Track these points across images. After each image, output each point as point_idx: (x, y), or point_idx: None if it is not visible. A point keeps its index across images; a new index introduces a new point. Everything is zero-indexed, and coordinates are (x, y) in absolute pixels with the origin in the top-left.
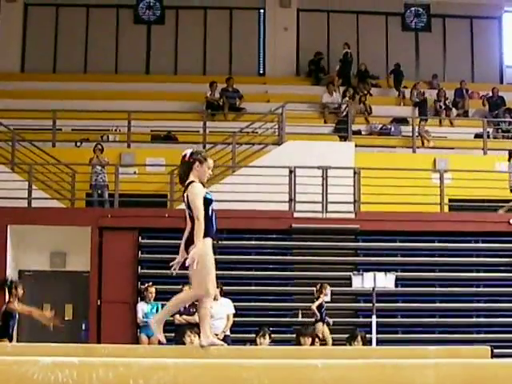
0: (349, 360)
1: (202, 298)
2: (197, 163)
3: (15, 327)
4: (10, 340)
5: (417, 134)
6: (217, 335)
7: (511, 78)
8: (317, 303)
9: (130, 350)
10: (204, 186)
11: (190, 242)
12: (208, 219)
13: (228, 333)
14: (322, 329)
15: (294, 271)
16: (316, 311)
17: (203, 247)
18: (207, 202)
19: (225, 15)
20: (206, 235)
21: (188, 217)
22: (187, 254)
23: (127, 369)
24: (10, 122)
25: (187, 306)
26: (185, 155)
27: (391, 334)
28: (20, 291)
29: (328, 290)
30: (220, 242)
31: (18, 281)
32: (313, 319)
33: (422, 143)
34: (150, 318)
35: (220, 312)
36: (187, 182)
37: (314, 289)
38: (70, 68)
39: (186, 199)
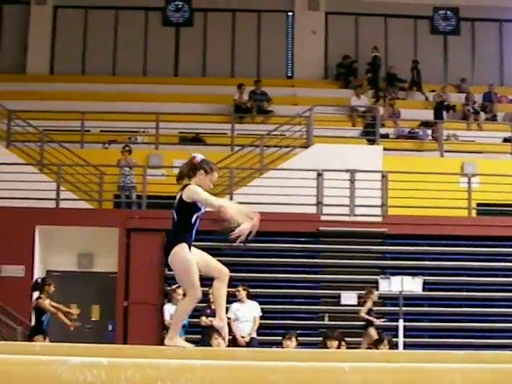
0: (376, 363)
1: (191, 297)
2: (202, 171)
3: (49, 323)
4: (45, 336)
5: (445, 138)
6: (243, 337)
7: None
8: (365, 309)
9: (156, 352)
10: None
11: (169, 248)
12: (190, 227)
13: (254, 335)
14: (375, 333)
15: (321, 274)
16: (366, 317)
17: (180, 252)
18: (195, 208)
19: (253, 18)
20: (183, 240)
21: (172, 219)
22: (166, 260)
23: (155, 370)
24: (39, 124)
25: (213, 307)
26: (194, 157)
27: (418, 338)
28: (52, 288)
29: (375, 294)
30: (247, 245)
31: (48, 280)
32: (363, 323)
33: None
34: None
35: (246, 315)
36: (184, 183)
37: (361, 293)
38: (98, 70)
39: (177, 199)
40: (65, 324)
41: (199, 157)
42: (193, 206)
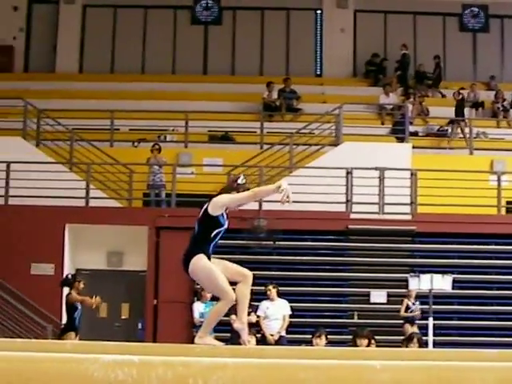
0: (407, 361)
1: (226, 300)
2: (235, 192)
3: (80, 320)
4: (77, 333)
5: (474, 136)
6: (272, 336)
7: None
8: (403, 308)
9: (187, 350)
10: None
11: (188, 259)
12: (209, 240)
13: (284, 333)
14: (412, 330)
15: (350, 272)
16: (405, 314)
17: (199, 261)
18: (218, 224)
19: (282, 16)
20: (201, 251)
21: (194, 228)
22: (186, 272)
23: (186, 368)
24: (69, 122)
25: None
26: (236, 179)
27: (447, 336)
28: (81, 285)
29: (413, 293)
30: (276, 243)
31: (78, 276)
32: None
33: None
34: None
35: (276, 313)
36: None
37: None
38: (127, 68)
39: (202, 210)
40: (90, 306)
41: (241, 178)
42: (215, 221)
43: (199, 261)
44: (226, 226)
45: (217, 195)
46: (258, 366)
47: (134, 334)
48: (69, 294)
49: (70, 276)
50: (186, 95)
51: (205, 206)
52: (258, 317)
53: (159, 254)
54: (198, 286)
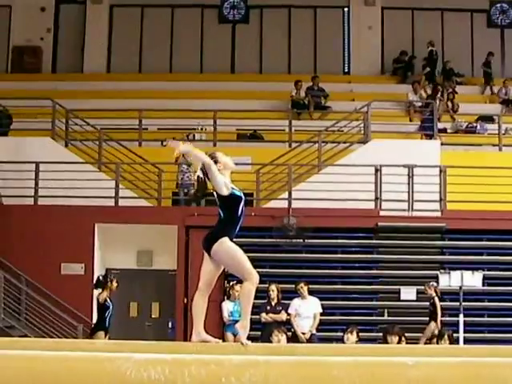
0: (440, 358)
1: (251, 280)
2: (216, 165)
3: (111, 320)
4: (106, 333)
5: (503, 132)
6: (304, 334)
7: None
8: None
9: (218, 348)
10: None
11: (212, 240)
12: (236, 220)
13: (314, 331)
14: (435, 327)
15: (380, 270)
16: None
17: (225, 244)
18: (237, 198)
19: (309, 14)
20: (226, 235)
21: (218, 214)
22: (206, 251)
23: (219, 366)
24: (97, 122)
25: (273, 304)
26: (198, 176)
27: (478, 333)
28: (114, 284)
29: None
30: (306, 241)
31: (112, 275)
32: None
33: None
34: (236, 317)
35: (307, 311)
36: None
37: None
38: (155, 68)
39: (216, 198)
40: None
41: (200, 173)
42: (234, 197)
43: (224, 243)
44: (243, 198)
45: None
46: (290, 363)
47: (164, 333)
48: (100, 293)
49: (100, 277)
50: (214, 94)
51: (215, 195)
52: (288, 315)
53: (189, 253)
54: (227, 285)
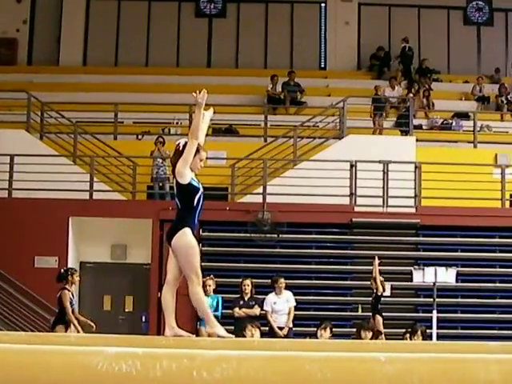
0: (412, 354)
1: (194, 283)
2: None
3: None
4: (67, 327)
5: (478, 129)
6: (281, 329)
7: None
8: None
9: (191, 342)
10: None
11: (172, 232)
12: (193, 210)
13: (291, 325)
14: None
15: (354, 265)
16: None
17: (185, 237)
18: (194, 190)
19: (286, 9)
20: (185, 225)
21: (176, 206)
22: (169, 244)
23: (191, 360)
24: (72, 115)
25: (246, 299)
26: (178, 144)
27: (451, 329)
28: (76, 278)
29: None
30: (280, 236)
31: (73, 268)
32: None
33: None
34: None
35: (284, 307)
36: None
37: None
38: (131, 61)
39: (175, 186)
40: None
41: (182, 141)
42: (190, 188)
43: (185, 236)
44: (202, 190)
45: (174, 169)
46: (262, 358)
47: (137, 327)
48: (64, 288)
49: (62, 270)
50: (190, 88)
51: (174, 182)
52: (263, 311)
53: (163, 247)
54: (203, 279)
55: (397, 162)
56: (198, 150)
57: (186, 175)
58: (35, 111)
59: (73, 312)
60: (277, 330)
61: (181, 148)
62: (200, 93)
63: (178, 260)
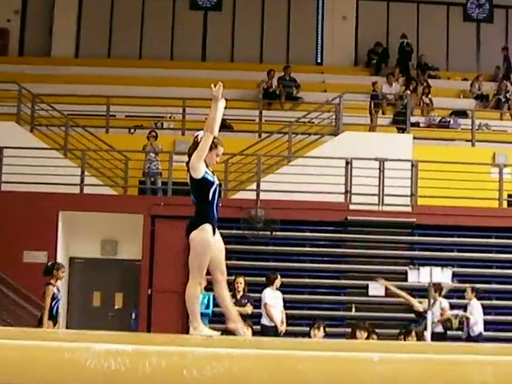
0: (405, 354)
1: (196, 281)
2: None
3: (58, 310)
4: (54, 323)
5: (476, 127)
6: (282, 323)
7: None
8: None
9: (181, 340)
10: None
11: (192, 227)
12: (209, 204)
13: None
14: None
15: (349, 264)
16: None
17: (204, 233)
18: (208, 183)
19: (283, 3)
20: (205, 221)
21: (192, 202)
22: (187, 238)
23: (181, 358)
24: (64, 108)
25: (239, 297)
26: (197, 136)
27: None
28: (61, 273)
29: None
30: (274, 233)
31: (59, 263)
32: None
33: None
34: (202, 309)
35: (279, 304)
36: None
37: None
38: (124, 53)
39: (189, 181)
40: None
41: (200, 133)
42: (205, 182)
43: (204, 232)
44: (217, 182)
45: (189, 161)
46: (253, 356)
47: (127, 323)
48: (49, 283)
49: (49, 264)
50: (184, 82)
51: (188, 176)
52: (254, 308)
53: (154, 243)
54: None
55: (393, 160)
56: (215, 145)
57: (200, 169)
58: (26, 103)
59: (57, 308)
60: (279, 322)
61: (199, 140)
62: (216, 86)
63: (190, 252)
